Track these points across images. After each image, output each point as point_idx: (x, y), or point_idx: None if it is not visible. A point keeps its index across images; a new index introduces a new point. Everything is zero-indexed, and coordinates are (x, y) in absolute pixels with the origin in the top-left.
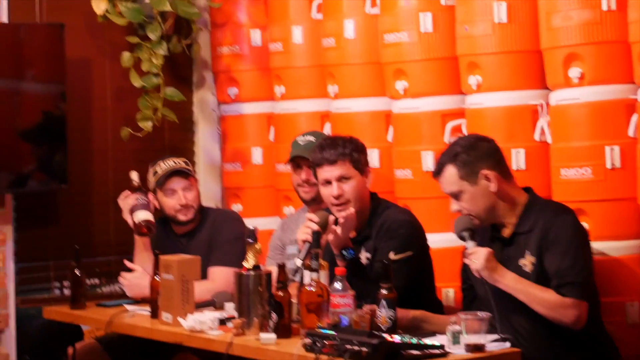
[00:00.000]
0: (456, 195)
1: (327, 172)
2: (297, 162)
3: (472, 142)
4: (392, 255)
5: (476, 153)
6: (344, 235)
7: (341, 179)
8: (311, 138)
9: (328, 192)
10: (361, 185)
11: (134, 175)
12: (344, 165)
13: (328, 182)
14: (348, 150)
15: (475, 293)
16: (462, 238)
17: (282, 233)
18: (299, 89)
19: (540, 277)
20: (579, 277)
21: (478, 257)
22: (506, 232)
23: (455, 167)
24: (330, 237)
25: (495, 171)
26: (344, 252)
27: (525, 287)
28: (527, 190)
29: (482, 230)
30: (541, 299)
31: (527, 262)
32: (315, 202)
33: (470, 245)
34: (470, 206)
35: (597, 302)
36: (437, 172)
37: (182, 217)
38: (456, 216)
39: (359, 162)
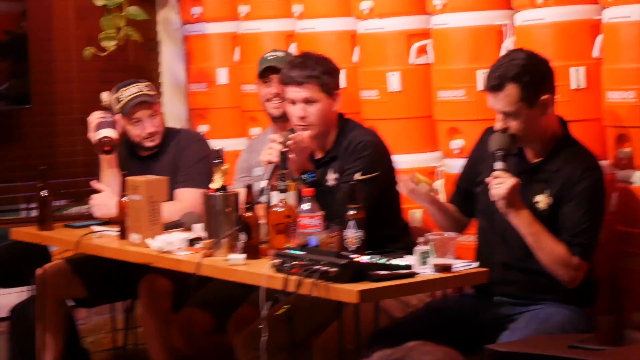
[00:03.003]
0: (508, 115)
1: (293, 92)
2: (266, 75)
3: (535, 62)
4: (357, 176)
5: (540, 75)
6: (298, 158)
7: (307, 101)
8: (279, 53)
9: (292, 112)
10: (327, 108)
11: (104, 96)
12: (311, 88)
13: (293, 102)
14: (317, 72)
15: (467, 197)
16: (493, 156)
17: (249, 155)
18: (263, 8)
19: (550, 219)
20: (591, 240)
21: (503, 184)
22: (531, 157)
23: (519, 87)
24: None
25: (552, 96)
26: (304, 176)
27: (538, 232)
28: (561, 120)
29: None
30: (550, 249)
31: (543, 200)
32: (282, 119)
33: (499, 166)
34: (521, 128)
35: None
36: (497, 87)
37: (149, 144)
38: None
39: (327, 85)
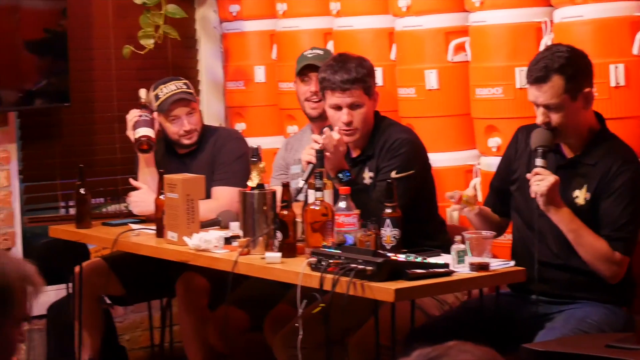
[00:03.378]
0: (551, 107)
1: (338, 98)
2: (305, 73)
3: (577, 55)
4: (393, 174)
5: (583, 68)
6: (333, 157)
7: (352, 106)
8: (319, 51)
9: (337, 117)
10: (370, 110)
11: (142, 93)
12: (356, 93)
13: (338, 108)
14: (361, 75)
15: (502, 197)
16: (534, 152)
17: (286, 153)
18: (301, 6)
19: (588, 214)
20: (631, 234)
21: (544, 180)
22: (567, 152)
23: (564, 78)
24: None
25: (592, 90)
26: (340, 175)
27: (578, 228)
28: (598, 116)
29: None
30: (591, 245)
31: (581, 195)
32: (320, 119)
33: (539, 162)
34: (563, 122)
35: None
36: (542, 79)
37: (186, 142)
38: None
39: (370, 88)
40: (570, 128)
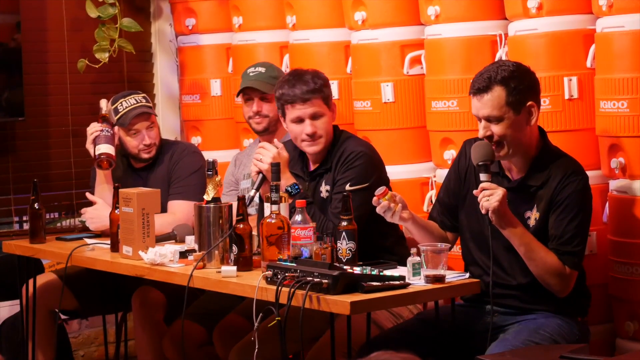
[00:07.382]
0: (492, 120)
1: (300, 110)
2: (247, 93)
3: (523, 70)
4: (347, 187)
5: (527, 82)
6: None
7: (313, 117)
8: (261, 69)
9: (299, 130)
10: (330, 121)
11: (103, 104)
12: (317, 102)
13: (300, 120)
14: (319, 85)
15: (451, 211)
16: (479, 168)
17: (235, 168)
18: (257, 19)
19: (539, 233)
20: (579, 247)
21: (494, 195)
22: (514, 174)
23: (506, 90)
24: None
25: (537, 106)
26: (288, 188)
27: (530, 242)
28: (540, 130)
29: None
30: (543, 259)
31: (532, 216)
32: (267, 132)
33: (484, 177)
34: (505, 135)
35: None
36: (484, 90)
37: (145, 156)
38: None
39: (328, 98)
40: (514, 142)
